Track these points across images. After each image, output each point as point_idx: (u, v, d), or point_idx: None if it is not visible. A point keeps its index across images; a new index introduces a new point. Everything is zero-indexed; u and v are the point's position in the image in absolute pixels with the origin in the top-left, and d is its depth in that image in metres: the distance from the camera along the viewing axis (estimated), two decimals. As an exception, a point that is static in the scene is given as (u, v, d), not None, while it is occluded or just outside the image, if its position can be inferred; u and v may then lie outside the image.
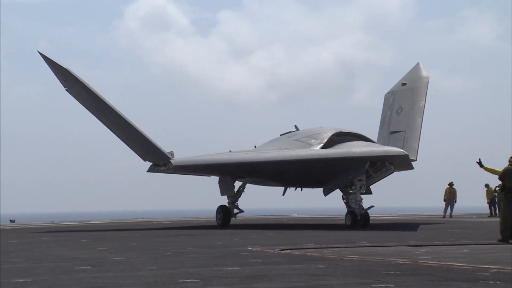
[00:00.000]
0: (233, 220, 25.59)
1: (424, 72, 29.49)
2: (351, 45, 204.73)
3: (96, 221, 33.61)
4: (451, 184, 34.35)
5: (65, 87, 23.87)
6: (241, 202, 25.83)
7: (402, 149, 23.95)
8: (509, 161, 15.92)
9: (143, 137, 24.28)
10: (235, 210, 25.41)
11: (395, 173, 24.88)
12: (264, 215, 37.66)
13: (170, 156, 24.58)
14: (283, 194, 27.16)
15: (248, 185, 26.43)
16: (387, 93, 30.16)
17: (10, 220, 38.93)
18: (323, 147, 23.85)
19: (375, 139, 27.02)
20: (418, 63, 30.22)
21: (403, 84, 29.45)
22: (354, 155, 22.37)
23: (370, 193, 25.49)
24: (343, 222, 23.03)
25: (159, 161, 24.81)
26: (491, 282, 8.38)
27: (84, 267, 10.43)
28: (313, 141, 24.42)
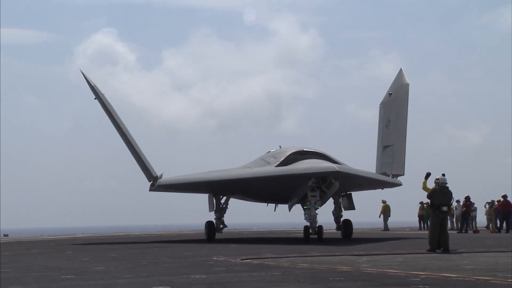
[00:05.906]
0: (217, 234, 24.12)
1: (405, 79, 25.12)
2: (274, 79, 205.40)
3: (80, 235, 32.95)
4: (384, 202, 34.64)
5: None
6: (229, 217, 24.39)
7: (391, 164, 22.49)
8: (435, 182, 16.22)
9: (140, 157, 23.45)
10: (221, 225, 24.20)
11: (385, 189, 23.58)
12: (228, 229, 37.35)
13: (158, 176, 23.71)
14: (274, 210, 25.65)
15: (237, 201, 25.13)
16: (380, 104, 26.11)
17: (4, 235, 37.88)
18: (278, 165, 21.72)
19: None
20: (401, 69, 25.66)
21: (390, 94, 25.58)
22: (295, 172, 20.49)
23: (353, 208, 23.80)
24: (298, 235, 22.36)
25: (150, 180, 24.01)
26: (421, 286, 8.43)
27: (68, 276, 10.18)
28: (272, 159, 22.69)
